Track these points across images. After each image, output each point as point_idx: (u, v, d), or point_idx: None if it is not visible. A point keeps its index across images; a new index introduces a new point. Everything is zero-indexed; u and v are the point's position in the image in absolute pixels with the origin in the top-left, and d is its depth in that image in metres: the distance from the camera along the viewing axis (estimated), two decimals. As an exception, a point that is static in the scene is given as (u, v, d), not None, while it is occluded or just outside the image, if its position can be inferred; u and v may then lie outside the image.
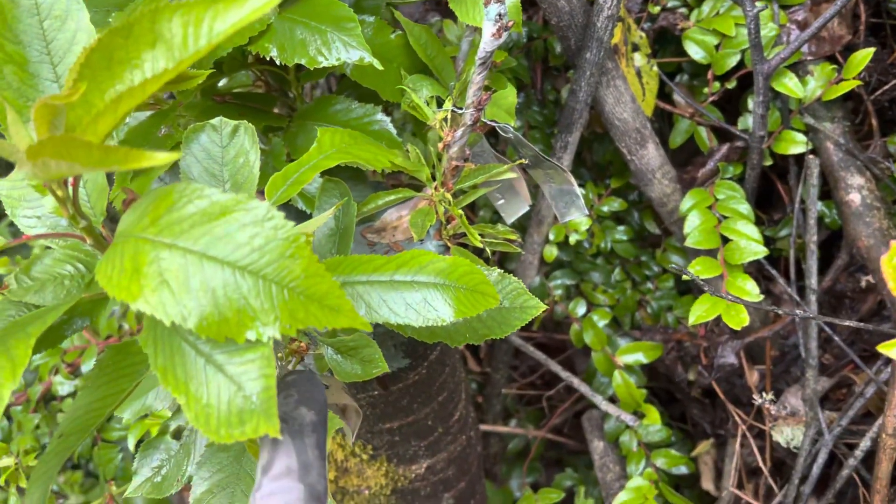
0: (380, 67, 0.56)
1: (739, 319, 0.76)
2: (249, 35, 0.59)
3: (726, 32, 0.85)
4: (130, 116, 0.67)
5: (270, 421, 0.36)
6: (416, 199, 0.69)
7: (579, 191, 0.70)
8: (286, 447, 0.40)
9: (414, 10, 1.03)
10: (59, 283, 0.46)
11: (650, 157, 0.88)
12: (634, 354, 0.93)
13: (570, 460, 1.14)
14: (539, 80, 0.95)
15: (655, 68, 0.90)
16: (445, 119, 0.63)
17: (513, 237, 0.68)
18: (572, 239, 0.93)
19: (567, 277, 0.98)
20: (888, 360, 0.80)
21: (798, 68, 0.85)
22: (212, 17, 0.34)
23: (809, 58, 0.85)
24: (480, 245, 0.64)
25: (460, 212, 0.64)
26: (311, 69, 0.68)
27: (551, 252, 0.94)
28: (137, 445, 0.74)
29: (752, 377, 0.97)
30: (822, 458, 0.84)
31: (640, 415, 0.94)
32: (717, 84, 0.89)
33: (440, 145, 0.64)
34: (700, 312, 0.78)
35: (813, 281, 0.84)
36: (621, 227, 0.98)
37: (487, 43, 0.56)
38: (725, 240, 0.84)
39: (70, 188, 0.41)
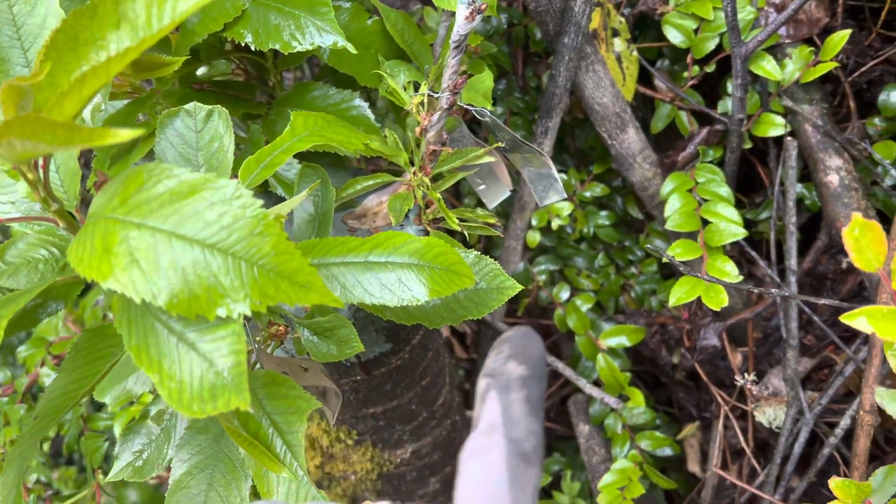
0: (353, 51, 0.57)
1: (719, 300, 0.77)
2: (224, 21, 0.60)
3: (704, 16, 0.86)
4: (109, 104, 0.68)
5: (241, 395, 0.36)
6: (396, 185, 0.70)
7: (557, 174, 0.71)
8: (491, 403, 0.38)
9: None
10: (32, 266, 0.46)
11: (631, 141, 0.89)
12: (618, 338, 0.93)
13: (558, 445, 1.14)
14: (520, 67, 0.96)
15: (635, 53, 0.91)
16: (422, 103, 0.64)
17: (492, 221, 0.69)
18: (555, 224, 0.93)
19: (551, 263, 0.99)
20: (867, 339, 0.81)
21: (776, 51, 0.86)
22: (174, -3, 0.34)
23: (787, 40, 0.86)
24: (458, 228, 0.64)
25: (438, 196, 0.65)
26: (288, 55, 0.68)
27: (534, 237, 0.95)
28: (123, 433, 0.74)
29: (736, 359, 0.97)
30: (803, 437, 0.84)
31: (624, 398, 0.95)
32: (696, 68, 0.90)
33: (417, 130, 0.64)
34: (680, 294, 0.79)
35: (793, 262, 0.85)
36: (604, 213, 0.99)
37: (461, 26, 0.57)
38: (705, 222, 0.84)
39: (41, 171, 0.41)
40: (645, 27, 0.96)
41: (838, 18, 0.87)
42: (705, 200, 0.86)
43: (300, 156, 0.67)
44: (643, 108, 0.99)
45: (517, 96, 0.95)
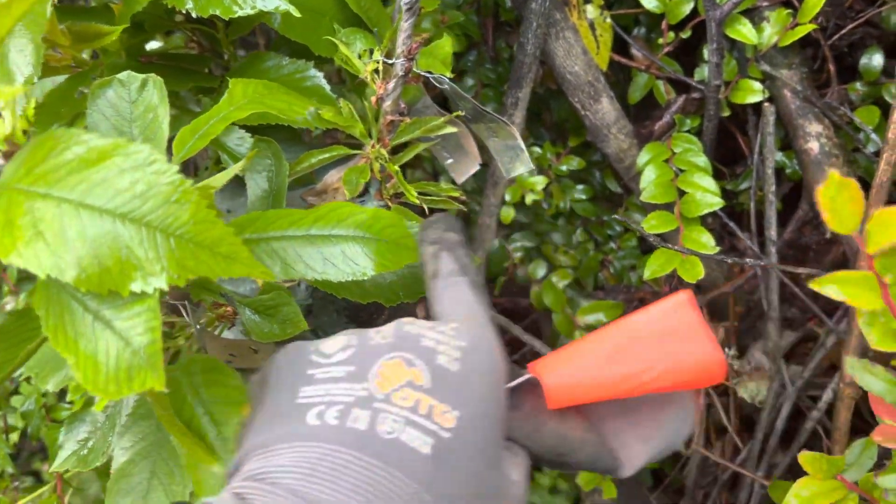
0: (298, 15, 0.54)
1: (695, 272, 0.75)
2: (165, -12, 0.57)
3: (678, -21, 0.83)
4: (51, 80, 0.65)
5: (156, 375, 0.34)
6: (357, 159, 0.67)
7: (524, 144, 0.68)
8: (445, 257, 0.44)
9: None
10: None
11: (605, 111, 0.86)
12: (595, 314, 0.91)
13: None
14: (490, 37, 0.93)
15: (609, 20, 0.88)
16: (377, 71, 0.61)
17: (456, 194, 0.66)
18: (528, 199, 0.91)
19: (527, 240, 0.96)
20: (847, 312, 0.79)
21: (753, 15, 0.83)
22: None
23: (765, 3, 0.83)
24: (417, 202, 0.61)
25: (397, 168, 0.62)
26: (236, 23, 0.65)
27: (508, 213, 0.92)
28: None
29: (718, 334, 0.95)
30: (785, 411, 0.82)
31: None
32: (671, 34, 0.87)
33: (373, 99, 0.62)
34: (654, 267, 0.77)
35: (772, 232, 0.82)
36: (580, 187, 0.96)
37: (411, -13, 0.54)
38: (682, 193, 0.82)
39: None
40: (619, -6, 0.93)
41: (817, -20, 0.84)
42: (682, 171, 0.83)
43: (254, 130, 0.65)
44: (618, 77, 0.96)
45: (488, 67, 0.92)
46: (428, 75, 0.61)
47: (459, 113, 0.63)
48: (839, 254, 0.91)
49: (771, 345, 0.84)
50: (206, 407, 0.43)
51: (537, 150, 0.94)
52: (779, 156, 0.88)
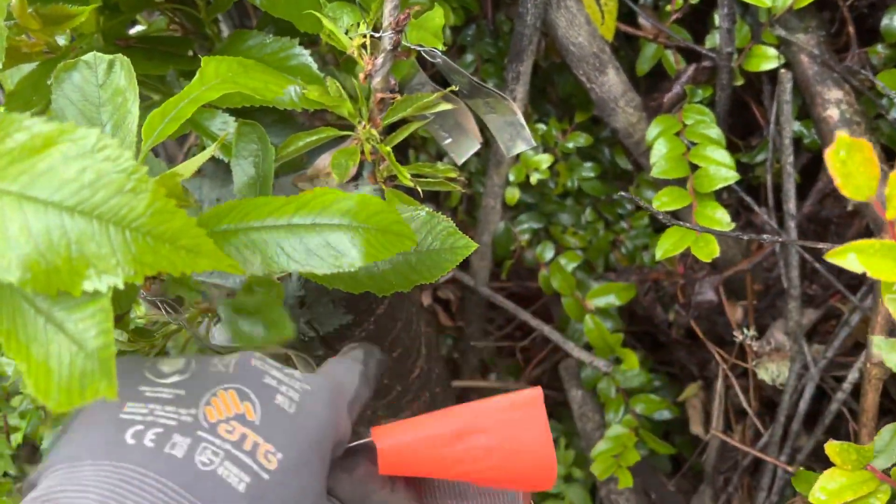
0: (273, -12, 0.50)
1: (709, 250, 0.71)
2: (135, -36, 0.53)
3: (686, -59, 0.78)
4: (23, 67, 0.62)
5: (109, 381, 0.31)
6: (349, 140, 0.64)
7: (524, 119, 0.64)
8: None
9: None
10: None
11: (611, 83, 0.82)
12: (606, 297, 0.87)
13: (554, 412, 1.09)
14: (490, 10, 0.88)
15: (613, -12, 0.83)
16: (364, 46, 0.57)
17: (453, 174, 0.63)
18: (533, 178, 0.87)
19: (534, 221, 0.92)
20: (873, 286, 0.74)
21: (766, -24, 0.78)
22: None
23: (778, -37, 0.78)
24: (411, 184, 0.58)
25: (388, 150, 0.59)
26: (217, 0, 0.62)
27: (513, 194, 0.88)
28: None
29: (736, 313, 0.91)
30: (808, 393, 0.79)
31: (617, 360, 0.89)
32: (679, 0, 0.83)
33: (361, 76, 0.58)
34: (667, 246, 0.73)
35: (791, 205, 0.78)
36: (588, 164, 0.92)
37: (396, -47, 0.50)
38: (695, 168, 0.78)
39: None
40: (624, -40, 0.88)
41: (834, -64, 0.80)
42: (694, 144, 0.79)
43: (240, 113, 0.61)
44: (625, 49, 0.92)
45: (488, 41, 0.88)
46: (419, 49, 0.58)
47: (453, 88, 0.60)
48: (862, 227, 0.87)
49: (792, 324, 0.80)
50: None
51: (542, 126, 0.90)
52: (796, 125, 0.84)
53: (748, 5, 0.78)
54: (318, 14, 0.57)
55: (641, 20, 0.86)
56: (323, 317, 0.65)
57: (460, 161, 0.72)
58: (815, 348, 0.82)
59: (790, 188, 0.78)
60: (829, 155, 0.33)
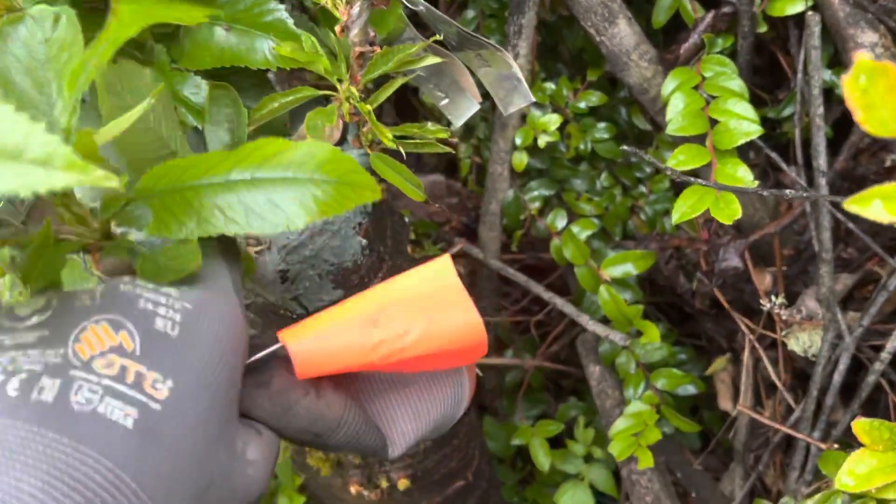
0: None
1: (730, 211, 0.65)
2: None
3: None
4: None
5: None
6: (332, 101, 0.59)
7: (521, 73, 0.59)
8: None
9: None
10: None
11: (622, 35, 0.76)
12: (622, 266, 0.82)
13: (577, 387, 1.04)
14: (491, -39, 0.83)
15: (623, -68, 0.77)
16: (339, -5, 0.53)
17: (444, 135, 0.58)
18: (542, 141, 0.82)
19: (544, 187, 0.87)
20: (914, 245, 0.68)
21: None
22: None
23: None
24: (393, 146, 0.53)
25: (368, 108, 0.54)
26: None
27: (521, 159, 0.83)
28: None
29: (764, 280, 0.85)
30: (843, 364, 0.73)
31: (637, 333, 0.84)
32: (696, -59, 0.76)
33: (338, 29, 0.53)
34: (684, 208, 0.67)
35: (822, 161, 0.72)
36: (602, 125, 0.86)
37: None
38: (715, 123, 0.72)
39: None
40: None
41: None
42: (714, 97, 0.73)
43: (212, 75, 0.57)
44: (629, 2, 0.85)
45: (490, -6, 0.83)
46: (398, -4, 0.53)
47: (437, 37, 0.55)
48: (902, 183, 0.80)
49: (824, 290, 0.74)
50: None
51: (551, 86, 0.84)
52: (827, 74, 0.77)
53: (771, -57, 0.71)
54: (286, -40, 0.52)
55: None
56: (312, 292, 0.61)
57: (458, 122, 0.68)
58: (851, 316, 0.76)
59: (820, 142, 0.71)
60: (846, 83, 0.27)
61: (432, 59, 0.56)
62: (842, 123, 0.83)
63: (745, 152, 0.79)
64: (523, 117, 0.84)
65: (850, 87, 0.28)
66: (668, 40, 0.86)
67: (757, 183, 0.66)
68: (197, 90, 0.58)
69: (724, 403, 0.96)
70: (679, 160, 0.70)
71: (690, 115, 0.72)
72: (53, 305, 0.32)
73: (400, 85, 0.57)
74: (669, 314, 1.04)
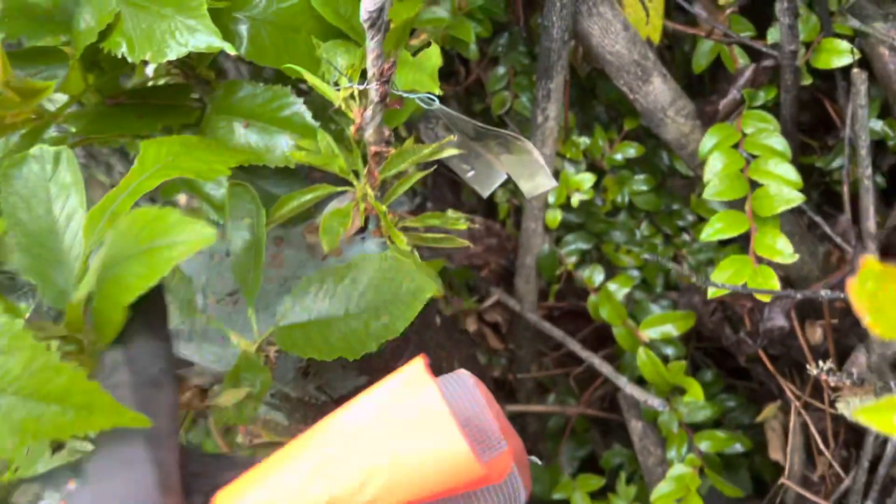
0: (232, 51, 0.46)
1: (768, 285, 0.62)
2: (99, 30, 0.50)
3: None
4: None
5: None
6: (348, 195, 0.59)
7: (542, 158, 0.58)
8: None
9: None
10: None
11: (657, 92, 0.73)
12: (662, 327, 0.79)
13: (618, 435, 1.02)
14: (521, 15, 0.81)
15: (658, -17, 0.74)
16: (353, 97, 0.52)
17: (462, 227, 0.57)
18: (575, 200, 0.80)
19: (581, 241, 0.85)
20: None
21: (835, -42, 0.68)
22: None
23: (849, -58, 0.67)
24: (408, 248, 0.53)
25: (384, 209, 0.53)
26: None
27: (555, 216, 0.81)
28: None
29: (814, 335, 0.82)
30: (896, 435, 0.69)
31: (680, 390, 0.82)
32: (734, -10, 0.73)
33: (352, 130, 0.53)
34: (724, 279, 0.65)
35: (870, 224, 0.68)
36: (640, 176, 0.84)
37: (367, 1, 0.45)
38: (755, 186, 0.69)
39: None
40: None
41: None
42: (754, 157, 0.70)
43: (239, 168, 0.58)
44: (674, 48, 0.82)
45: (521, 51, 0.81)
46: (410, 96, 0.52)
47: (451, 138, 0.54)
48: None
49: (875, 357, 0.70)
50: None
51: (585, 140, 0.82)
52: (878, 124, 0.73)
53: (815, -7, 0.68)
54: (297, 68, 0.52)
55: (696, 10, 0.77)
56: (334, 381, 0.61)
57: (486, 193, 0.67)
58: (905, 381, 0.72)
59: (869, 205, 0.68)
60: (852, 286, 0.25)
61: (450, 152, 0.55)
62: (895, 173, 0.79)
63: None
64: (556, 173, 0.82)
65: (858, 291, 0.26)
66: (703, 88, 0.83)
67: (797, 257, 0.63)
68: (217, 185, 0.59)
69: (775, 454, 0.93)
70: (716, 228, 0.67)
71: (729, 177, 0.69)
72: None
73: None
74: (717, 357, 1.01)
